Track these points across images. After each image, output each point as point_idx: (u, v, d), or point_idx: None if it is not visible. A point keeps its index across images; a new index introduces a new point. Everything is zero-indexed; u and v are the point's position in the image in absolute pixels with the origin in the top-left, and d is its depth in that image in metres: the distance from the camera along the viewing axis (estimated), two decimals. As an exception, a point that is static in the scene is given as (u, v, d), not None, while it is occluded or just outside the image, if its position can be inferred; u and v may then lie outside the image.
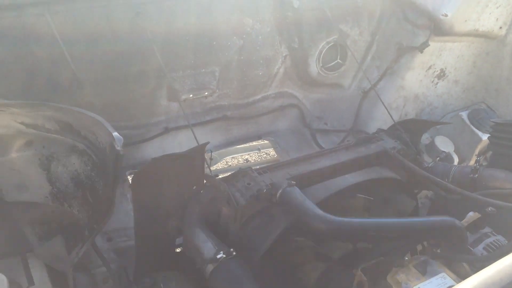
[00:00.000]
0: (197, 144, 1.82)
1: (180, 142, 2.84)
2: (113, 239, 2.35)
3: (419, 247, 2.10)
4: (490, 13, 2.85)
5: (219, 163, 4.19)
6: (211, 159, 2.80)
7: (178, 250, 2.06)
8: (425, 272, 1.63)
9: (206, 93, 2.75)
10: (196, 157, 1.78)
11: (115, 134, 1.45)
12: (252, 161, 4.91)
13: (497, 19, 2.90)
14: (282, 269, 1.83)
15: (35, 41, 2.08)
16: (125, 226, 2.40)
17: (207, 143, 1.78)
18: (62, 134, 1.62)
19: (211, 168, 3.38)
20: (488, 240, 1.83)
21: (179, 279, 1.74)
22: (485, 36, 2.98)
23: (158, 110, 2.69)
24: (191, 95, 2.69)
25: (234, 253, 1.63)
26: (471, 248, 1.81)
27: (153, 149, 2.77)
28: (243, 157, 4.90)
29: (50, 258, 1.86)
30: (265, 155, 4.86)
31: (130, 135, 2.65)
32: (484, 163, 2.26)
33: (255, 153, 4.27)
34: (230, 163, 4.85)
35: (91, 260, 2.07)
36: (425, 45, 2.85)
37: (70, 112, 1.56)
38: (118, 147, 1.43)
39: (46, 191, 1.76)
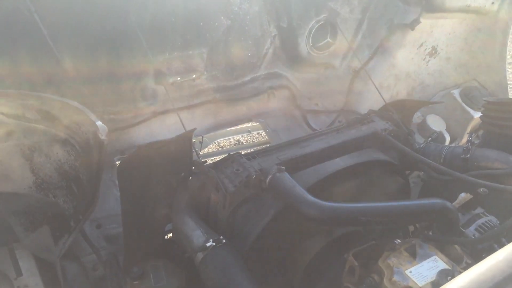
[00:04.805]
0: (184, 130, 1.79)
1: (169, 126, 2.79)
2: (102, 226, 2.32)
3: (412, 228, 2.10)
4: (482, -11, 2.80)
5: (210, 146, 4.17)
6: (201, 142, 2.77)
7: (168, 236, 2.05)
8: (416, 255, 1.62)
9: (194, 76, 2.70)
10: (183, 143, 1.75)
11: (99, 123, 1.41)
12: (245, 142, 4.88)
13: (489, -6, 2.85)
14: (272, 254, 1.81)
15: (15, 26, 2.01)
16: (115, 213, 2.37)
17: (194, 129, 1.75)
18: (43, 123, 1.57)
19: (202, 152, 3.36)
20: (480, 221, 1.83)
21: (169, 268, 1.72)
22: (477, 12, 2.93)
23: (145, 94, 2.63)
24: (178, 78, 2.63)
25: (224, 240, 1.61)
26: (463, 230, 1.80)
27: (142, 134, 2.72)
28: (235, 138, 4.87)
29: (37, 248, 1.83)
30: (257, 136, 4.84)
31: (117, 120, 2.59)
32: (476, 141, 2.24)
33: (247, 134, 4.25)
34: (222, 145, 4.82)
35: (81, 248, 2.04)
36: (416, 22, 2.80)
37: (51, 101, 1.51)
38: (102, 136, 1.40)
39: (30, 181, 1.72)
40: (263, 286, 1.52)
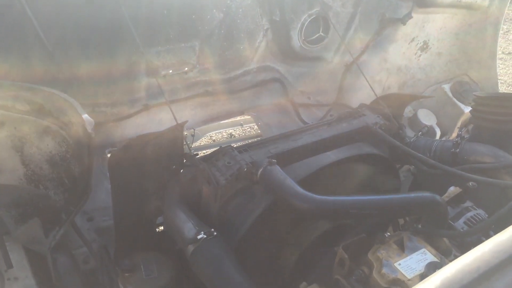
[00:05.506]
0: (175, 123, 1.79)
1: (161, 119, 2.79)
2: (94, 219, 2.32)
3: (402, 221, 2.12)
4: (473, -16, 2.81)
5: (203, 139, 4.16)
6: (193, 135, 2.76)
7: (160, 229, 2.05)
8: (405, 248, 1.63)
9: (186, 68, 2.69)
10: (174, 136, 1.75)
11: (85, 116, 1.41)
12: (237, 135, 4.88)
13: (480, -11, 2.87)
14: (264, 247, 1.82)
15: (6, 19, 1.99)
16: (106, 205, 2.37)
17: (186, 122, 1.75)
18: (33, 115, 1.57)
19: (194, 145, 3.35)
20: (468, 214, 1.85)
21: (160, 260, 1.73)
22: (468, 7, 2.94)
23: (138, 86, 2.62)
24: (170, 71, 2.62)
25: (215, 233, 1.61)
26: (452, 223, 1.82)
27: (134, 127, 2.71)
28: (227, 131, 4.87)
29: (27, 240, 1.82)
30: (249, 129, 4.84)
31: (109, 113, 2.59)
32: (466, 136, 2.26)
33: (239, 127, 4.25)
34: (214, 138, 4.82)
35: (72, 241, 2.04)
36: (408, 16, 2.82)
37: (41, 93, 1.50)
38: (89, 130, 1.40)
39: (21, 173, 1.71)
40: (253, 278, 1.52)
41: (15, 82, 1.55)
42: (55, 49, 2.18)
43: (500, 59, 6.60)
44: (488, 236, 1.71)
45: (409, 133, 2.84)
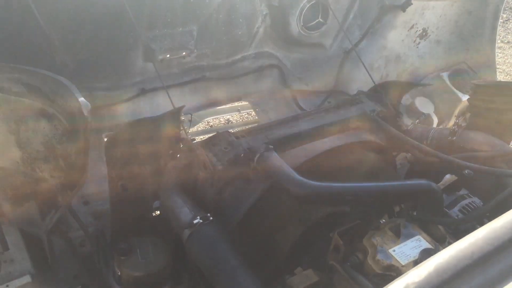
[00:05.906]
0: (173, 107, 1.78)
1: (158, 104, 2.77)
2: (90, 203, 2.32)
3: (397, 209, 2.12)
4: (474, -29, 2.79)
5: (200, 124, 4.15)
6: (190, 120, 2.75)
7: (156, 213, 2.05)
8: (400, 235, 1.64)
9: (184, 53, 2.67)
10: (171, 120, 1.75)
11: (81, 99, 1.40)
12: (234, 121, 4.87)
13: (481, -23, 2.85)
14: (259, 232, 1.83)
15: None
16: (102, 190, 2.37)
17: (183, 106, 1.74)
18: (30, 97, 1.56)
19: (191, 130, 3.35)
20: (464, 202, 1.86)
21: (156, 244, 1.73)
22: (468, -6, 2.93)
23: (134, 70, 2.61)
24: (168, 55, 2.60)
25: (211, 218, 1.61)
26: (447, 210, 1.83)
27: (130, 111, 2.70)
28: (224, 117, 4.85)
29: (24, 223, 1.83)
30: (246, 115, 4.83)
31: (105, 96, 2.57)
32: (463, 124, 2.26)
33: (237, 113, 4.24)
34: (211, 124, 4.81)
35: (68, 224, 2.04)
36: (408, 3, 2.79)
37: (37, 75, 1.49)
38: (85, 113, 1.39)
39: (17, 156, 1.70)
40: (249, 263, 1.53)
41: (11, 64, 1.53)
42: (52, 32, 2.16)
43: (499, 48, 6.58)
44: (482, 224, 1.72)
45: (407, 120, 2.84)
